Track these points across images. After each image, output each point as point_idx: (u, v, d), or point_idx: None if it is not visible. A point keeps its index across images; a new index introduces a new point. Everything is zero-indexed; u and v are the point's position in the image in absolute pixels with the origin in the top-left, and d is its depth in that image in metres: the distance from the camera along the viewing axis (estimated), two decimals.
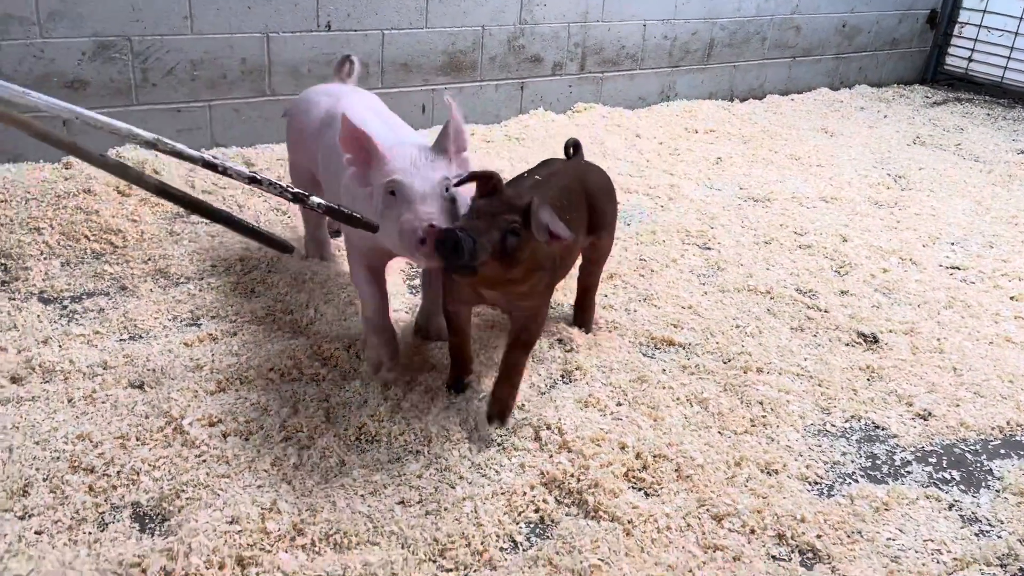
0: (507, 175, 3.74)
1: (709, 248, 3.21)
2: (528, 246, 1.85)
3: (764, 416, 2.22)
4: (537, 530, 1.81)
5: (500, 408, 2.09)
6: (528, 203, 1.83)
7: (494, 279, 1.92)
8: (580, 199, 2.25)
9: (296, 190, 1.98)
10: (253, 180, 1.93)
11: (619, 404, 2.22)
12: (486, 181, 1.89)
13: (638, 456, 2.01)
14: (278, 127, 3.87)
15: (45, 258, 2.73)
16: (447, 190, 1.94)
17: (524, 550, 1.74)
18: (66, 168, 3.32)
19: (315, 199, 1.98)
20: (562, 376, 2.34)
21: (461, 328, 2.19)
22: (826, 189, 3.92)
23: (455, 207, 1.95)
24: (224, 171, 1.93)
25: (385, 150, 1.98)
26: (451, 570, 1.68)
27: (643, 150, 4.28)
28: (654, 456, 2.01)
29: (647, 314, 2.68)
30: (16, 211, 2.94)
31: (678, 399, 2.27)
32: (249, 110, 3.80)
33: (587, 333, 2.52)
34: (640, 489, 1.93)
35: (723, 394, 2.29)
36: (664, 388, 2.30)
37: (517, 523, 1.81)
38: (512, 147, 4.13)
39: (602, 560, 1.69)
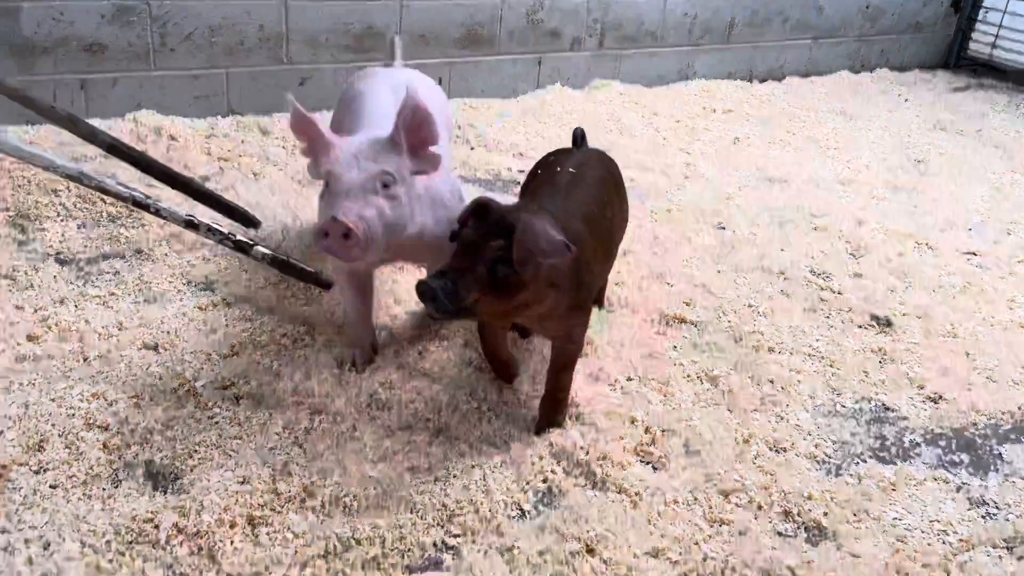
0: (522, 150, 3.75)
1: (724, 228, 3.20)
2: (529, 267, 1.65)
3: (774, 395, 2.22)
4: (545, 499, 1.82)
5: (547, 424, 2.00)
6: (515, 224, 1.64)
7: (499, 312, 1.76)
8: (614, 190, 2.16)
9: (239, 238, 1.81)
10: (190, 224, 1.77)
11: (629, 379, 2.23)
12: (478, 211, 1.71)
13: (647, 431, 2.02)
14: (297, 95, 3.85)
15: (62, 220, 2.75)
16: (385, 186, 1.78)
17: (531, 518, 1.76)
18: None
19: (260, 248, 1.81)
20: None
21: (492, 338, 2.07)
22: (843, 172, 3.89)
23: (396, 204, 1.79)
24: (156, 212, 1.76)
25: (331, 140, 1.84)
26: (459, 535, 1.69)
27: (660, 128, 4.25)
28: (663, 431, 2.02)
29: (659, 291, 2.68)
30: (34, 172, 2.95)
31: (688, 376, 2.27)
32: (266, 78, 3.80)
33: (599, 309, 2.49)
34: (648, 463, 1.94)
35: (733, 372, 2.29)
36: (675, 365, 2.31)
37: (525, 492, 1.82)
38: (528, 122, 4.11)
39: (608, 530, 1.70)
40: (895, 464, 2.02)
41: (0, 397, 1.93)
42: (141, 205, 1.77)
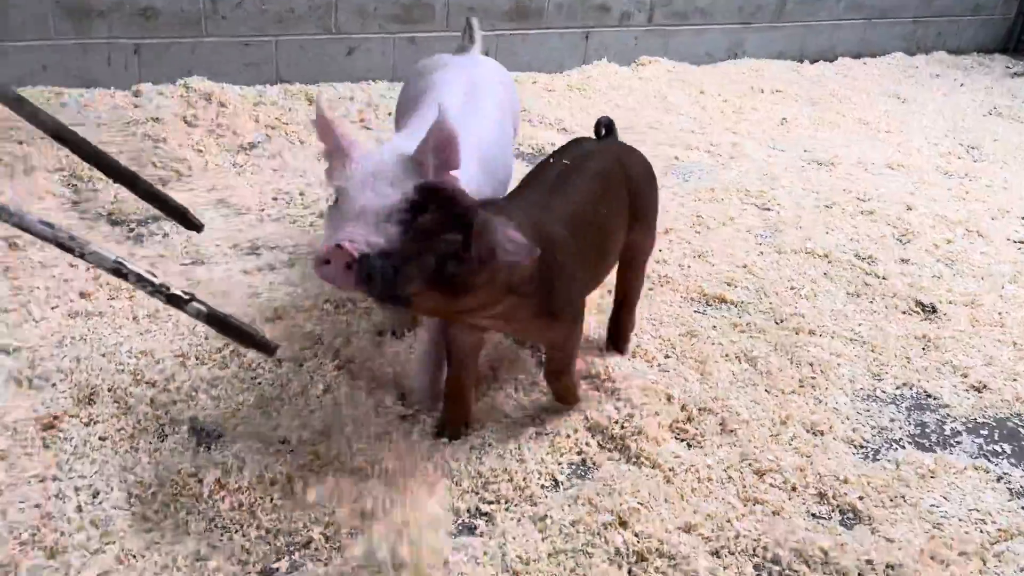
0: (566, 125, 3.73)
1: (768, 209, 3.16)
2: (483, 269, 1.50)
3: (813, 378, 2.20)
4: (579, 471, 1.83)
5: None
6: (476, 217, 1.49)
7: (439, 310, 1.63)
8: (619, 186, 1.96)
9: (173, 291, 1.59)
10: (118, 272, 1.54)
11: (667, 357, 2.23)
12: (435, 195, 1.53)
13: (683, 408, 2.02)
14: (342, 65, 3.90)
15: (114, 182, 2.80)
16: (408, 212, 1.57)
17: (565, 489, 1.77)
18: (135, 96, 3.40)
19: (196, 305, 1.61)
20: None
21: (461, 359, 1.84)
22: (894, 156, 3.81)
23: (415, 235, 1.56)
24: (82, 255, 1.53)
25: (352, 150, 1.72)
26: (492, 502, 1.72)
27: (706, 107, 4.20)
28: (699, 409, 2.02)
29: (700, 270, 2.66)
30: (88, 135, 2.99)
31: (727, 355, 2.26)
32: (314, 47, 3.82)
33: (622, 354, 2.20)
34: (683, 440, 1.94)
35: (773, 353, 2.28)
36: (713, 344, 2.30)
37: (559, 463, 1.84)
38: (573, 97, 4.09)
39: (641, 504, 1.71)
40: (935, 452, 2.00)
41: (54, 350, 2.00)
42: (65, 247, 1.51)
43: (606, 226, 1.90)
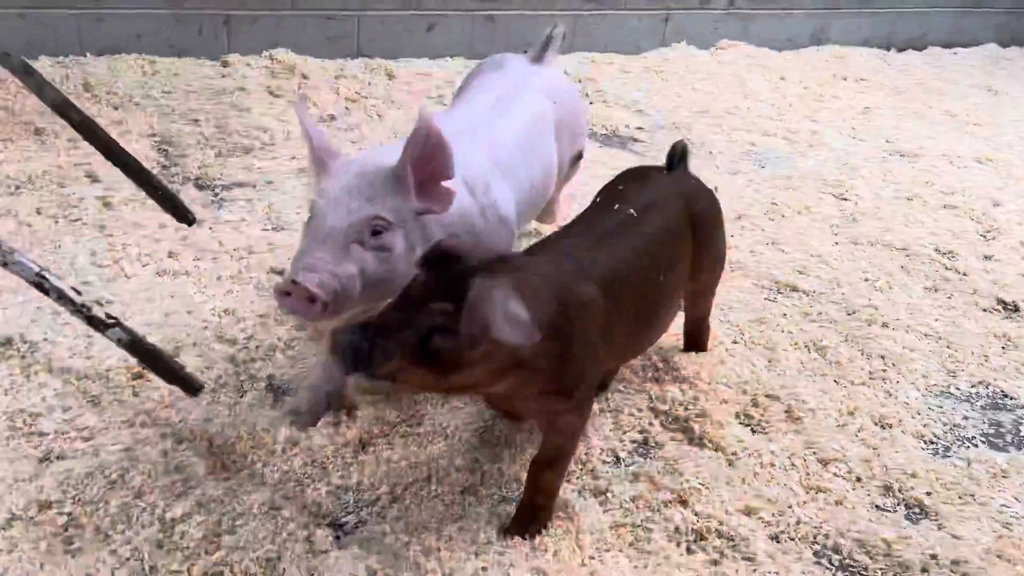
0: (642, 106, 3.71)
1: (846, 199, 3.10)
2: (477, 346, 1.27)
3: (884, 371, 2.16)
4: (640, 449, 1.85)
5: (518, 530, 1.57)
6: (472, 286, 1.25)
7: (429, 388, 1.48)
8: (685, 236, 1.77)
9: (94, 314, 1.49)
10: (39, 286, 1.45)
11: (735, 342, 2.22)
12: (436, 257, 1.34)
13: (749, 394, 2.01)
14: (422, 42, 3.95)
15: (201, 148, 2.92)
16: (376, 233, 1.49)
17: (626, 465, 1.79)
18: (224, 66, 3.51)
19: (119, 331, 1.50)
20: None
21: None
22: (982, 149, 3.69)
23: (386, 256, 1.51)
24: (4, 264, 1.48)
25: (329, 160, 1.58)
26: None
27: (786, 93, 4.13)
28: (766, 395, 2.01)
29: (773, 258, 2.64)
30: (178, 102, 3.14)
31: (796, 344, 2.24)
32: (395, 23, 3.88)
33: (700, 352, 2.12)
34: (748, 425, 1.94)
35: (843, 344, 2.25)
36: (783, 332, 2.28)
37: (622, 440, 1.86)
38: (650, 80, 4.07)
39: (702, 484, 1.72)
40: (1008, 452, 1.95)
41: (144, 305, 2.10)
42: None
43: (657, 292, 1.69)
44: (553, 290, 1.43)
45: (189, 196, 2.62)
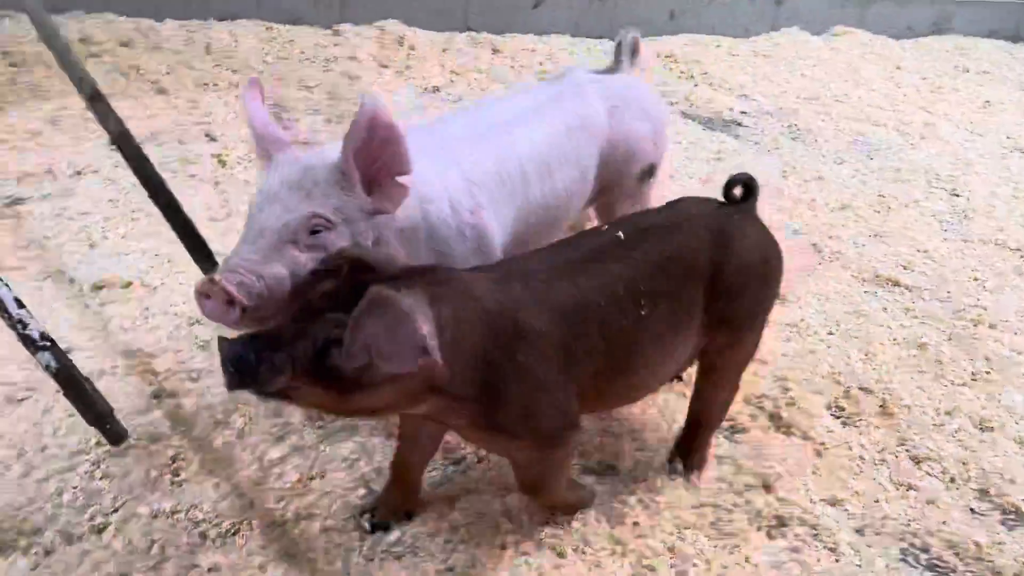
0: (747, 91, 3.64)
1: (958, 195, 2.98)
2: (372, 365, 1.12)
3: (988, 372, 2.08)
4: (727, 434, 1.84)
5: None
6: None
7: (331, 409, 1.29)
8: (693, 277, 1.45)
9: (28, 332, 1.36)
10: None
11: (830, 333, 2.17)
12: (351, 264, 1.19)
13: (841, 385, 1.97)
14: (528, 18, 3.96)
15: (311, 114, 3.02)
16: (314, 232, 1.33)
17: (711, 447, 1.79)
18: (335, 35, 3.61)
19: (48, 356, 1.37)
20: None
21: (409, 434, 1.47)
22: None
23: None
24: None
25: (275, 151, 1.42)
26: (641, 450, 1.76)
27: (901, 83, 3.97)
28: (859, 388, 1.97)
29: (876, 251, 2.56)
30: (292, 68, 3.26)
31: (895, 340, 2.18)
32: None
33: (687, 478, 1.67)
34: (839, 417, 1.90)
35: (946, 343, 2.17)
36: (882, 326, 2.22)
37: None
38: (758, 63, 3.98)
39: (788, 472, 1.71)
40: None
41: None
42: None
43: (638, 329, 1.40)
44: (485, 315, 1.25)
45: None
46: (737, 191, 1.54)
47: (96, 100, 1.78)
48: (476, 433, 1.34)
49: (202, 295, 1.31)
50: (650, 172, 1.98)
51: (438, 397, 1.22)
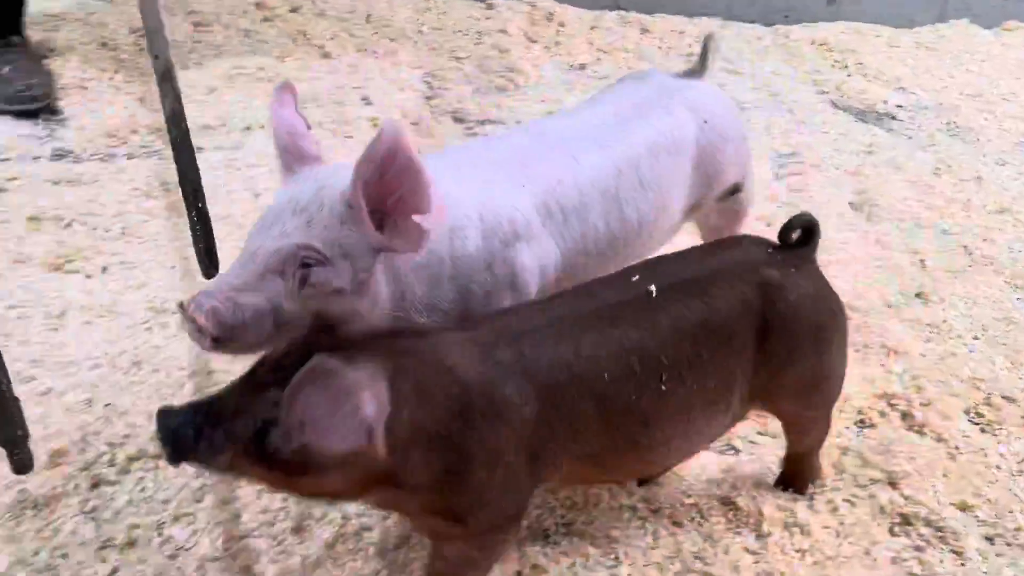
0: (905, 84, 3.48)
1: None
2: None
3: None
4: (855, 428, 1.81)
5: None
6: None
7: (275, 487, 1.17)
8: (739, 340, 1.28)
9: None
10: None
11: (975, 338, 2.09)
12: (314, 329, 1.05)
13: (983, 391, 1.91)
14: None
15: (461, 84, 3.13)
16: (305, 265, 1.19)
17: (838, 437, 1.77)
18: (488, 8, 3.71)
19: None
20: (915, 293, 2.24)
21: None
22: None
23: (312, 295, 1.20)
24: None
25: (298, 164, 1.30)
26: (762, 433, 1.76)
27: None
28: (1002, 396, 1.89)
29: None
30: (445, 39, 3.38)
31: None
32: None
33: (799, 494, 1.61)
34: (977, 424, 1.84)
35: None
36: None
37: (836, 417, 1.83)
38: (920, 56, 3.79)
39: (917, 471, 1.67)
40: None
41: None
42: None
43: (658, 407, 1.23)
44: (457, 389, 1.09)
45: (448, 127, 2.83)
46: (795, 235, 1.35)
47: (165, 80, 1.85)
48: (423, 519, 1.19)
49: (187, 316, 1.19)
50: (735, 190, 1.80)
51: (387, 486, 1.06)
